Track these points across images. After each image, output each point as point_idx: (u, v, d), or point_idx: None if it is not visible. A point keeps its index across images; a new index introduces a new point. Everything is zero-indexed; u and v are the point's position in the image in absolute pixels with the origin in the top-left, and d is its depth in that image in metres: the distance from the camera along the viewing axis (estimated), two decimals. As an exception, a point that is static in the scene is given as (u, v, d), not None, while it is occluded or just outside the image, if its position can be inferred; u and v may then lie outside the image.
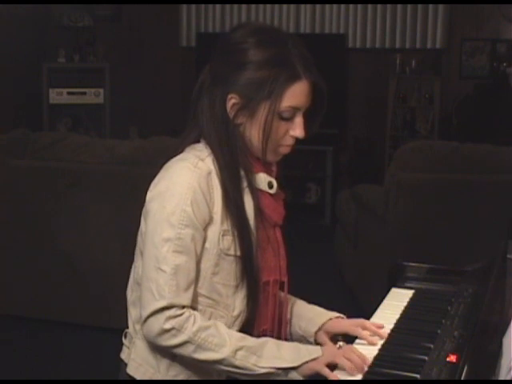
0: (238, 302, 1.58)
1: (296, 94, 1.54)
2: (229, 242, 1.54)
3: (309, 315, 1.73)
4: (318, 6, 6.54)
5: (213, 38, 6.15)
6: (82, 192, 3.70)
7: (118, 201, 3.61)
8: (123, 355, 1.67)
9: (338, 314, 1.73)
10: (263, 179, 1.60)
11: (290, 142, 1.59)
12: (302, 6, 6.55)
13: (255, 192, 1.58)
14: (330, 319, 1.70)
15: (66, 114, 6.49)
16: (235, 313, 1.58)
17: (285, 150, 1.61)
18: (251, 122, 1.55)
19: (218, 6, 6.73)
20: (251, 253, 1.57)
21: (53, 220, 3.76)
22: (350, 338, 1.65)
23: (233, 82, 1.54)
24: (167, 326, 1.47)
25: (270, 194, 1.62)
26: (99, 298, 3.71)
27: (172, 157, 1.59)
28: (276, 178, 1.65)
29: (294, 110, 1.55)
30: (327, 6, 6.52)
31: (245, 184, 1.57)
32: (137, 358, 1.62)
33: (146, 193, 1.58)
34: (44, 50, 6.67)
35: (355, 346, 1.58)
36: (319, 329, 1.69)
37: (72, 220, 3.72)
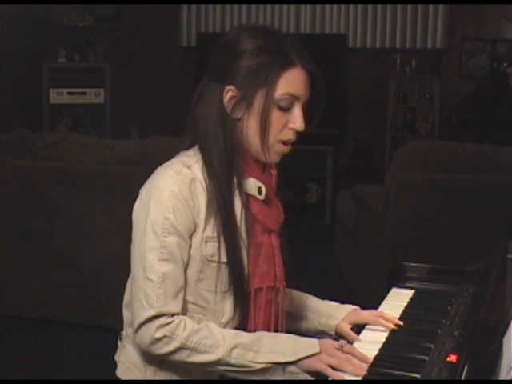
0: (226, 309, 1.57)
1: (291, 81, 1.52)
2: (213, 249, 1.52)
3: (328, 310, 1.74)
4: (318, 6, 6.54)
5: (213, 37, 6.16)
6: (82, 192, 3.70)
7: (118, 201, 3.60)
8: (116, 356, 1.67)
9: (353, 307, 1.75)
10: (253, 184, 1.56)
11: (289, 136, 1.55)
12: (302, 5, 6.55)
13: (244, 196, 1.55)
14: (349, 312, 1.72)
15: (67, 114, 6.48)
16: (224, 319, 1.57)
17: (284, 149, 1.57)
18: (249, 114, 1.52)
19: (218, 6, 6.73)
20: (238, 259, 1.54)
21: (53, 220, 3.76)
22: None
23: (230, 73, 1.52)
24: (158, 334, 1.47)
25: (261, 200, 1.58)
26: (99, 297, 3.71)
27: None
28: (277, 183, 1.63)
29: (292, 98, 1.52)
30: (327, 6, 6.52)
31: (234, 187, 1.54)
32: (126, 362, 1.62)
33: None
34: (44, 50, 6.66)
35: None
36: (340, 322, 1.71)
37: (72, 220, 3.72)
